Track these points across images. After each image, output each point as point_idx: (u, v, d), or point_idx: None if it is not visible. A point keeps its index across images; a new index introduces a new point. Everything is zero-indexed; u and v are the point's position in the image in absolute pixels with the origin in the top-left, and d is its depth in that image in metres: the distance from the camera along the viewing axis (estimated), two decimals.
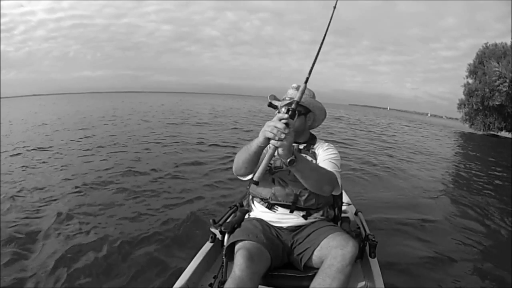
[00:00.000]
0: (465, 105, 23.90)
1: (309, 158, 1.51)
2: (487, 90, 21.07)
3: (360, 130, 15.72)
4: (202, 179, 4.52)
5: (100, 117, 14.92)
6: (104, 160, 5.83)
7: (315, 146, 1.60)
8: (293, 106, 1.10)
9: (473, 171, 7.33)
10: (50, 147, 7.08)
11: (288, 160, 1.18)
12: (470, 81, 23.47)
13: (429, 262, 2.56)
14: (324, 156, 1.51)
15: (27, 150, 6.68)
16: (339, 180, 1.43)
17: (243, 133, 10.31)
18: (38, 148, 6.90)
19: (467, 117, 24.41)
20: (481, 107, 22.40)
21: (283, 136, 1.10)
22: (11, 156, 6.17)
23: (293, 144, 1.50)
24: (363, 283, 1.61)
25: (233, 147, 7.25)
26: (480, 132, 23.42)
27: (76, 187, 4.11)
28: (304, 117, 1.56)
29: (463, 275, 2.44)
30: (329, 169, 1.42)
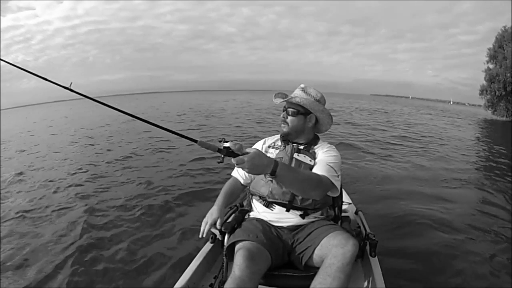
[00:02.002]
0: (487, 91, 23.00)
1: (307, 158, 1.53)
2: (508, 75, 20.22)
3: (380, 120, 15.44)
4: (207, 178, 4.51)
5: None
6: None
7: (316, 146, 1.60)
8: (227, 145, 1.09)
9: (495, 160, 7.03)
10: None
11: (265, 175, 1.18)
12: (491, 66, 22.57)
13: (432, 260, 2.49)
14: (322, 158, 1.51)
15: None
16: (336, 183, 1.41)
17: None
18: None
19: (489, 104, 23.46)
20: (503, 93, 21.50)
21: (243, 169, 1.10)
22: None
23: (292, 144, 1.58)
24: (364, 282, 1.60)
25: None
26: (504, 118, 22.44)
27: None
28: (304, 117, 1.56)
29: (468, 273, 2.36)
30: (323, 172, 1.40)
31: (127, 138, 8.75)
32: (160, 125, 1.15)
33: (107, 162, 5.91)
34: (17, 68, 1.33)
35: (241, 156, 1.07)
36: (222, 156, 1.07)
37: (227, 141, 1.09)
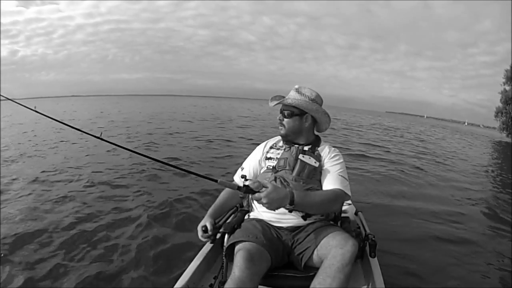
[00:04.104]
0: (502, 113, 22.58)
1: (312, 159, 1.54)
2: None
3: (394, 136, 15.65)
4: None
5: None
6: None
7: (319, 148, 1.61)
8: (246, 183, 1.18)
9: (500, 182, 6.90)
10: None
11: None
12: (507, 88, 22.27)
13: (431, 261, 2.49)
14: (331, 166, 1.52)
15: None
16: (348, 192, 1.45)
17: None
18: None
19: (504, 126, 22.95)
20: None
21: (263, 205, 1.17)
22: None
23: (296, 146, 1.59)
24: (364, 283, 1.58)
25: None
26: None
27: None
28: (299, 118, 1.57)
29: (467, 275, 2.36)
30: (336, 185, 1.43)
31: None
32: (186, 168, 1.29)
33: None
34: (50, 118, 1.61)
35: (258, 194, 1.14)
36: (242, 192, 1.15)
37: (247, 179, 1.18)
